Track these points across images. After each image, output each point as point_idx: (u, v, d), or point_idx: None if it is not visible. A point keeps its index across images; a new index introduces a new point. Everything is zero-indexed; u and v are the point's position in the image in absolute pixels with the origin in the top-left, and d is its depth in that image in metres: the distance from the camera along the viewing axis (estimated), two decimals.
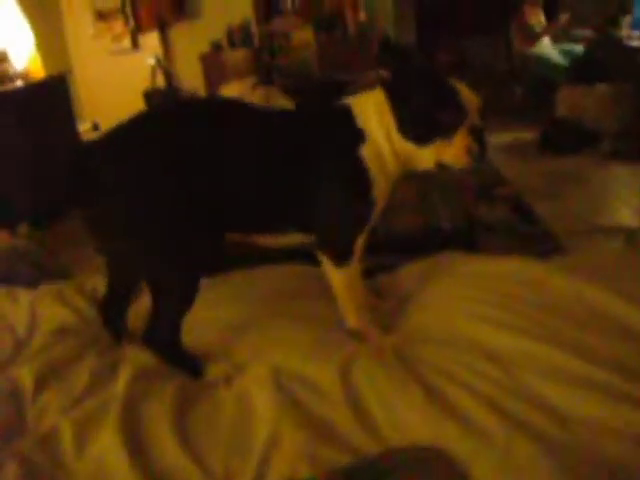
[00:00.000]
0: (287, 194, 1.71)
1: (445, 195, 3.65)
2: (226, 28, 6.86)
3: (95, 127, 6.54)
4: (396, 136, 1.68)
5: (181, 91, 7.04)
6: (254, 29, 6.87)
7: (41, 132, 4.97)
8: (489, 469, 1.21)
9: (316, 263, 1.80)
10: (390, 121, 1.68)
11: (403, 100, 1.65)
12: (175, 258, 1.63)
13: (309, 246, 1.78)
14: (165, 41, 7.06)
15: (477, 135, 1.63)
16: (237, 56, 6.80)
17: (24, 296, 2.08)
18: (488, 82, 7.10)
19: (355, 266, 1.75)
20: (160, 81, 6.98)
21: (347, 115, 1.72)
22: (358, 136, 1.70)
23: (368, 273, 2.96)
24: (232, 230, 1.78)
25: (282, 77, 6.32)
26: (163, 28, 6.99)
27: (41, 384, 1.60)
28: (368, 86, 1.80)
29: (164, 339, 1.69)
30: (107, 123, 6.33)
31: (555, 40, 6.91)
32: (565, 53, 6.66)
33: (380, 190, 1.72)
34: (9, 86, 5.00)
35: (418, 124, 1.64)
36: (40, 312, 1.98)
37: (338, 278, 1.76)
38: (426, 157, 1.68)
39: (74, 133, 5.65)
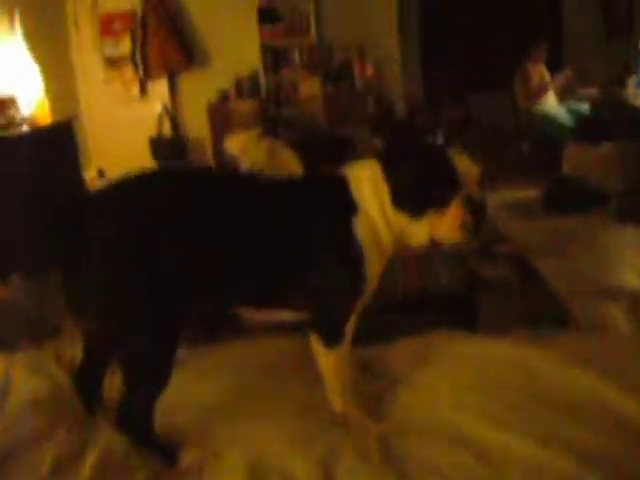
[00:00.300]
0: (276, 268, 1.64)
1: (445, 254, 3.60)
2: (234, 78, 6.91)
3: (101, 174, 6.55)
4: (390, 209, 1.62)
5: (186, 141, 7.07)
6: (262, 80, 6.91)
7: (45, 179, 4.95)
8: None
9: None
10: (384, 193, 1.62)
11: (396, 171, 1.60)
12: (150, 335, 1.55)
13: (301, 323, 1.71)
14: (173, 89, 7.11)
15: (474, 207, 1.56)
16: (244, 106, 6.85)
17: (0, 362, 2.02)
18: (494, 139, 7.12)
19: (345, 348, 1.67)
20: (167, 129, 7.01)
21: (341, 186, 1.67)
22: (351, 208, 1.64)
23: (364, 334, 2.93)
24: (217, 305, 1.72)
25: (288, 129, 6.35)
26: (172, 76, 7.05)
27: (1, 466, 1.51)
28: (373, 144, 1.76)
29: (137, 423, 1.60)
30: (113, 170, 6.36)
31: (561, 98, 6.94)
32: (571, 112, 6.67)
33: (373, 266, 1.64)
34: (15, 132, 5.01)
35: (410, 195, 1.58)
36: (14, 380, 1.91)
37: (327, 359, 1.67)
38: (419, 231, 1.61)
39: (79, 180, 5.64)
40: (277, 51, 6.92)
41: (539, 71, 6.90)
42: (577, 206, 5.41)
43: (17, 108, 5.15)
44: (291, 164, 4.97)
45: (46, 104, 5.51)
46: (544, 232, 4.98)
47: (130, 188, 1.67)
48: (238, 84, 6.94)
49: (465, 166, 1.59)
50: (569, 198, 5.51)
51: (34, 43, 5.83)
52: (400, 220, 1.62)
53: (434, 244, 1.63)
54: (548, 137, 6.68)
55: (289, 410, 1.68)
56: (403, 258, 3.30)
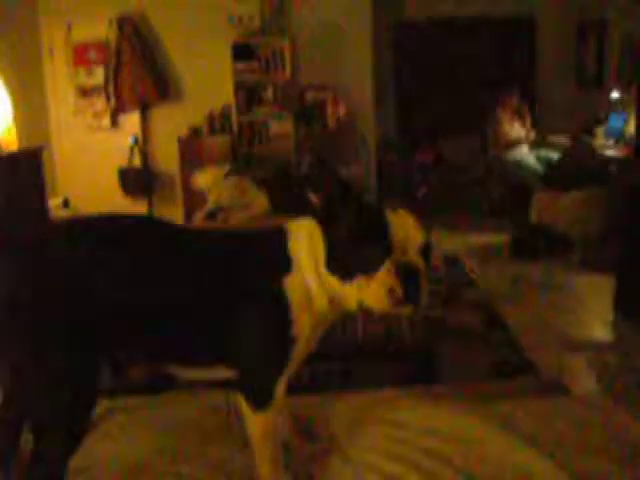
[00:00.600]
0: (207, 323, 1.54)
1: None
2: (207, 113, 6.90)
3: (65, 204, 6.45)
4: (323, 269, 1.51)
5: (155, 174, 7.02)
6: (234, 116, 6.90)
7: (7, 206, 4.86)
8: None
9: None
10: (320, 251, 1.52)
11: (330, 229, 1.50)
12: (60, 392, 1.45)
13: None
14: (145, 122, 7.07)
15: (407, 275, 1.41)
16: (215, 142, 6.83)
17: None
18: (464, 183, 7.17)
19: (274, 413, 1.56)
20: (137, 161, 6.95)
21: (280, 240, 1.58)
22: (284, 266, 1.54)
23: (322, 378, 2.87)
24: (143, 360, 1.63)
25: (258, 167, 6.33)
26: (144, 109, 7.00)
27: None
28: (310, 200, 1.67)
29: None
30: (80, 199, 6.27)
31: (532, 146, 7.02)
32: (541, 159, 6.74)
33: (302, 328, 1.53)
34: None
35: (338, 257, 1.48)
36: None
37: (254, 423, 1.57)
38: (349, 295, 1.48)
39: (43, 209, 5.55)
40: (250, 88, 6.93)
41: (511, 120, 6.97)
42: (544, 253, 5.44)
43: None
44: (259, 201, 4.93)
45: (13, 131, 5.43)
46: (511, 278, 4.99)
47: (64, 231, 1.60)
48: (210, 120, 6.92)
49: (404, 230, 1.46)
50: (536, 244, 5.54)
51: (7, 70, 5.78)
52: (332, 282, 1.50)
53: (364, 311, 1.49)
54: (518, 183, 6.73)
55: (209, 474, 1.58)
56: None
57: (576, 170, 6.02)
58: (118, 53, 6.81)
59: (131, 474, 1.61)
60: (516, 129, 6.96)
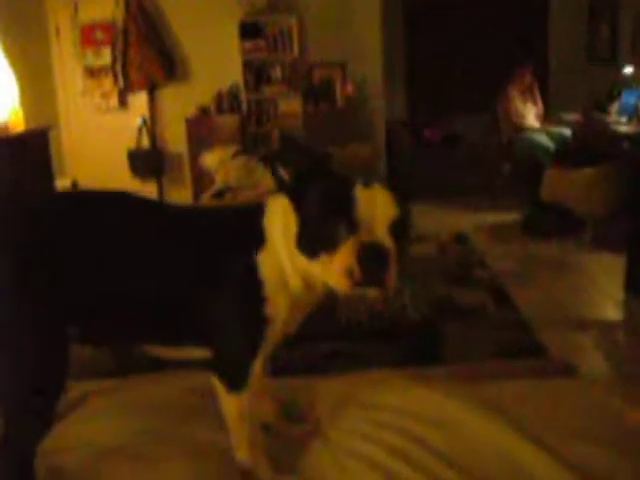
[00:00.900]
0: (180, 300, 1.50)
1: (415, 280, 3.52)
2: (215, 93, 6.85)
3: (74, 185, 6.45)
4: (294, 247, 1.44)
5: (163, 154, 7.00)
6: (243, 96, 6.85)
7: (14, 187, 4.86)
8: None
9: None
10: (292, 229, 1.44)
11: (298, 205, 1.43)
12: (29, 373, 1.42)
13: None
14: (153, 102, 7.04)
15: (370, 254, 1.31)
16: (224, 121, 6.79)
17: None
18: (477, 159, 7.10)
19: (249, 394, 1.52)
20: (145, 142, 6.93)
21: (255, 216, 1.52)
22: (258, 240, 1.48)
23: (325, 359, 2.85)
24: (114, 339, 1.61)
25: (266, 145, 6.29)
26: (152, 89, 6.97)
27: None
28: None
29: (14, 468, 1.45)
30: (89, 180, 6.27)
31: (543, 123, 6.94)
32: (553, 136, 6.66)
33: (277, 307, 1.47)
34: None
35: (305, 234, 1.41)
36: None
37: (229, 404, 1.53)
38: (316, 275, 1.41)
39: (50, 190, 5.55)
40: (259, 67, 6.87)
41: (523, 99, 6.89)
42: (555, 231, 5.38)
43: None
44: (266, 181, 4.90)
45: (20, 112, 5.42)
46: (522, 257, 4.95)
47: (42, 202, 1.59)
48: (218, 99, 6.87)
49: (371, 207, 1.35)
50: (547, 223, 5.48)
51: (14, 51, 5.75)
52: (302, 261, 1.43)
53: (328, 291, 1.41)
54: (530, 160, 6.65)
55: (188, 457, 1.55)
56: None
57: (588, 147, 5.94)
58: (125, 33, 6.78)
59: (107, 456, 1.59)
60: (528, 106, 6.88)
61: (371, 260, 1.31)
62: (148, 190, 6.74)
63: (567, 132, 6.59)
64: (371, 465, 1.44)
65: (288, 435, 1.71)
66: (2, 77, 5.36)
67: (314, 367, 2.53)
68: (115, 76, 6.89)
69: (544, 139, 6.65)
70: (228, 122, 6.76)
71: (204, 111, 6.87)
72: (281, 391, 1.84)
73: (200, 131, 6.71)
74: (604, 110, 6.54)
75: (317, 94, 6.80)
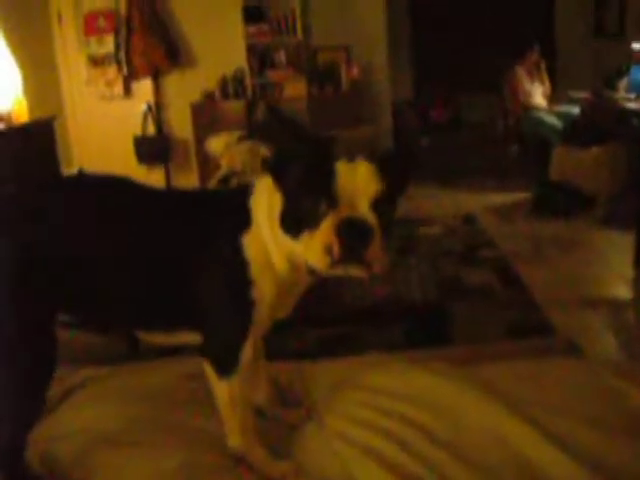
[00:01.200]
0: (168, 283, 1.48)
1: (421, 261, 3.52)
2: (219, 78, 6.81)
3: (80, 173, 6.44)
4: (278, 226, 1.40)
5: (168, 140, 6.97)
6: (247, 80, 6.81)
7: (20, 178, 4.86)
8: None
9: None
10: (277, 208, 1.40)
11: (281, 183, 1.39)
12: (16, 360, 1.40)
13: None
14: (158, 89, 7.01)
15: (351, 231, 1.26)
16: (229, 106, 6.76)
17: None
18: (483, 141, 7.05)
19: (240, 378, 1.49)
20: (151, 129, 6.91)
21: (243, 197, 1.49)
22: (243, 221, 1.45)
23: (329, 344, 2.83)
24: (109, 325, 1.59)
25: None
26: (156, 76, 6.94)
27: None
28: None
29: (4, 454, 1.44)
30: (95, 168, 6.26)
31: (551, 102, 6.87)
32: (560, 115, 6.60)
33: (263, 290, 1.44)
34: None
35: (286, 211, 1.37)
36: None
37: (220, 389, 1.50)
38: (299, 254, 1.36)
39: (57, 179, 5.53)
40: (263, 51, 6.83)
41: (530, 77, 6.82)
42: (564, 210, 5.34)
43: None
44: None
45: (24, 102, 5.40)
46: (530, 237, 4.91)
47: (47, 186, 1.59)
48: (223, 84, 6.83)
49: (352, 182, 1.30)
50: (556, 202, 5.44)
51: (16, 41, 5.73)
52: (286, 240, 1.39)
53: (310, 271, 1.36)
54: (538, 140, 6.60)
55: (180, 444, 1.54)
56: None
57: (596, 125, 5.88)
58: (128, 20, 6.73)
59: (101, 444, 1.58)
60: (535, 85, 6.81)
61: (351, 236, 1.27)
62: (154, 176, 6.73)
63: (575, 110, 6.52)
64: (365, 450, 1.43)
65: (283, 420, 1.69)
66: (4, 67, 5.35)
67: (318, 351, 2.52)
68: (119, 64, 6.85)
69: (552, 118, 6.59)
70: (233, 107, 6.73)
71: (209, 96, 6.83)
72: (278, 375, 1.83)
73: (205, 116, 6.68)
74: (612, 87, 6.46)
75: (322, 77, 6.76)
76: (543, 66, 6.90)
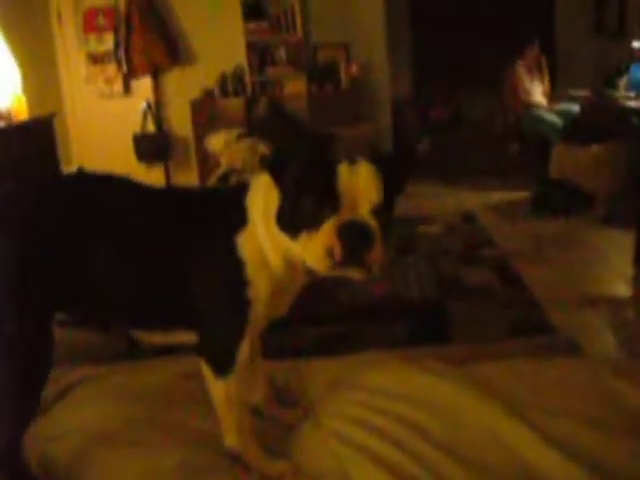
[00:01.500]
0: (165, 282, 1.48)
1: (420, 260, 3.51)
2: (219, 76, 6.80)
3: (80, 171, 6.43)
4: (275, 227, 1.39)
5: (168, 138, 6.96)
6: (247, 78, 6.80)
7: (19, 176, 4.85)
8: None
9: None
10: (274, 207, 1.39)
11: (279, 182, 1.38)
12: (11, 360, 1.40)
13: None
14: (157, 86, 7.00)
15: (352, 234, 1.26)
16: (229, 104, 6.75)
17: None
18: (484, 138, 7.04)
19: (237, 378, 1.49)
20: (151, 126, 6.90)
21: (239, 195, 1.48)
22: (239, 220, 1.44)
23: (327, 343, 2.83)
24: (101, 323, 1.59)
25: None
26: (156, 73, 6.93)
27: None
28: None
29: (1, 453, 1.44)
30: (95, 166, 6.25)
31: (551, 100, 6.86)
32: (561, 113, 6.58)
33: (259, 289, 1.44)
34: None
35: (284, 210, 1.36)
36: None
37: (217, 388, 1.50)
38: (297, 254, 1.36)
39: (57, 176, 5.53)
40: (262, 49, 6.82)
41: (530, 76, 6.80)
42: (564, 208, 5.33)
43: None
44: None
45: (23, 100, 5.40)
46: (530, 235, 4.90)
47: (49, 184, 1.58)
48: (223, 82, 6.82)
49: (354, 185, 1.30)
50: (556, 200, 5.43)
51: (15, 38, 5.72)
52: (283, 240, 1.39)
53: (308, 272, 1.36)
54: (537, 138, 6.58)
55: (178, 443, 1.53)
56: None
57: (596, 123, 5.87)
58: (127, 18, 6.72)
59: (98, 444, 1.58)
60: (535, 84, 6.80)
61: (353, 239, 1.27)
62: (154, 174, 6.73)
63: (575, 108, 6.51)
64: (362, 450, 1.43)
65: (280, 420, 1.69)
66: (4, 64, 5.34)
67: (316, 350, 2.51)
68: (118, 61, 6.85)
69: (552, 116, 6.58)
70: (233, 105, 6.72)
71: (208, 94, 6.82)
72: (274, 374, 1.82)
73: (205, 114, 6.67)
74: (613, 85, 6.45)
75: (321, 75, 6.74)
76: (544, 62, 6.88)
